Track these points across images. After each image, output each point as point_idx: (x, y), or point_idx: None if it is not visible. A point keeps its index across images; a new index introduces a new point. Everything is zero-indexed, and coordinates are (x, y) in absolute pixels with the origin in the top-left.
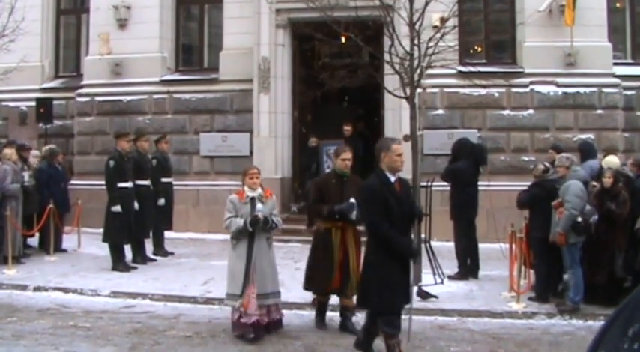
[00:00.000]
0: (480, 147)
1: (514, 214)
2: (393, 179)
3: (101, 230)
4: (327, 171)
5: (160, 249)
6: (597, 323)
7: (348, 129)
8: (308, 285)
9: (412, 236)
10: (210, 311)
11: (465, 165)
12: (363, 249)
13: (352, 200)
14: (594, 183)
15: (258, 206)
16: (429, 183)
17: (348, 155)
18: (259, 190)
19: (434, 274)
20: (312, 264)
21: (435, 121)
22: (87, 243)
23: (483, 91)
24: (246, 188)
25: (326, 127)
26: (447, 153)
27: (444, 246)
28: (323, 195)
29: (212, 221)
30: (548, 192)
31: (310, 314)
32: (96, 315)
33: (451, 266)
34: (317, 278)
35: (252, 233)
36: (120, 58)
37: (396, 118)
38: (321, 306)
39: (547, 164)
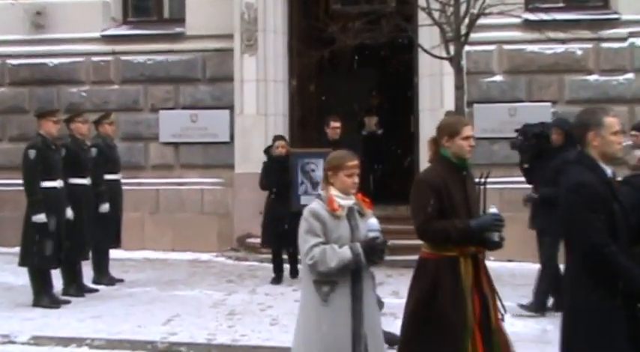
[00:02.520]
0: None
1: None
2: (609, 173)
3: (18, 249)
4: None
5: (103, 275)
6: None
7: (335, 126)
8: None
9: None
10: None
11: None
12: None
13: (494, 209)
14: None
15: (372, 222)
16: (483, 179)
17: (470, 131)
18: (352, 196)
19: None
20: (428, 318)
21: (491, 91)
22: None
23: (560, 48)
24: (334, 191)
25: (336, 102)
26: (506, 136)
27: (503, 267)
28: (443, 203)
29: (177, 234)
30: None
31: None
32: None
33: (513, 295)
34: (445, 345)
35: (358, 270)
36: (42, 2)
37: (435, 88)
38: None
39: None
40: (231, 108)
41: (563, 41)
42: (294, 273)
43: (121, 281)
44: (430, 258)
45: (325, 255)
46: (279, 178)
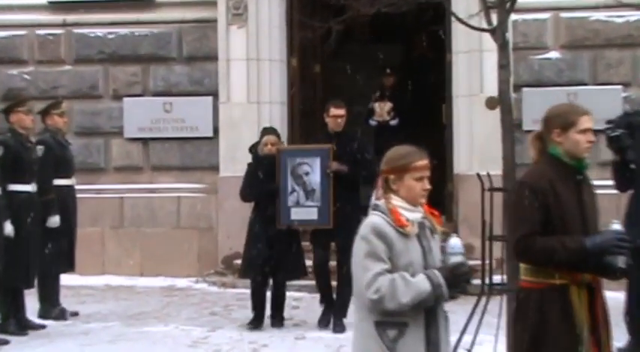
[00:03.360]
0: None
1: None
2: None
3: None
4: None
5: (52, 307)
6: None
7: (337, 114)
8: None
9: None
10: None
11: None
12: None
13: (617, 225)
14: None
15: (454, 242)
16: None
17: (589, 122)
18: (420, 207)
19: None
20: None
21: (544, 72)
22: None
23: (635, 16)
24: (397, 201)
25: (348, 87)
26: None
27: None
28: (551, 214)
29: (147, 254)
30: None
31: None
32: None
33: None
34: None
35: (434, 308)
36: None
37: (473, 68)
38: None
39: None
40: (214, 94)
41: (638, 7)
42: (277, 319)
43: (75, 314)
44: (533, 287)
45: (395, 286)
46: (267, 185)
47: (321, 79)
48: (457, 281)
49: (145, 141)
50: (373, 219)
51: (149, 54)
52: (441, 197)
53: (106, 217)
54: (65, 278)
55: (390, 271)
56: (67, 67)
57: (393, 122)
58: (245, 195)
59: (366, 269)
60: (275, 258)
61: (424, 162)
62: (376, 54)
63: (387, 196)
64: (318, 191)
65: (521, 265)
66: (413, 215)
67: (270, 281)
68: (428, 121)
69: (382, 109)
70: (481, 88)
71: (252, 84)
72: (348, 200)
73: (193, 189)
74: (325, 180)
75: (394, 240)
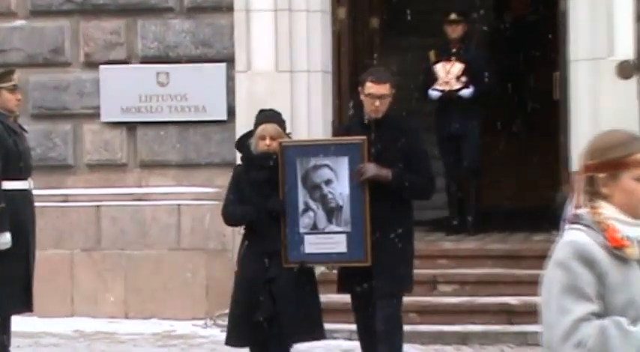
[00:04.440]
0: None
1: None
2: None
3: None
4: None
5: None
6: None
7: (376, 92)
8: None
9: None
10: None
11: None
12: None
13: None
14: None
15: None
16: None
17: None
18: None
19: None
20: None
21: None
22: None
23: None
24: (613, 213)
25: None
26: None
27: None
28: None
29: (135, 287)
30: None
31: None
32: None
33: None
34: None
35: None
36: None
37: (599, 22)
38: None
39: None
40: (229, 60)
41: None
42: None
43: None
44: None
45: (608, 339)
46: (266, 201)
47: (380, 39)
48: None
49: (130, 126)
50: (576, 237)
51: (136, 3)
52: (549, 205)
53: (76, 235)
54: (19, 322)
55: (599, 315)
56: (20, 22)
57: (466, 92)
58: (230, 216)
59: (563, 312)
60: (279, 317)
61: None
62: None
63: (595, 204)
64: (347, 209)
65: None
66: (634, 231)
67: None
68: (528, 95)
69: (448, 73)
70: (610, 50)
71: (282, 45)
72: (393, 222)
73: (199, 194)
74: (357, 191)
75: (607, 269)
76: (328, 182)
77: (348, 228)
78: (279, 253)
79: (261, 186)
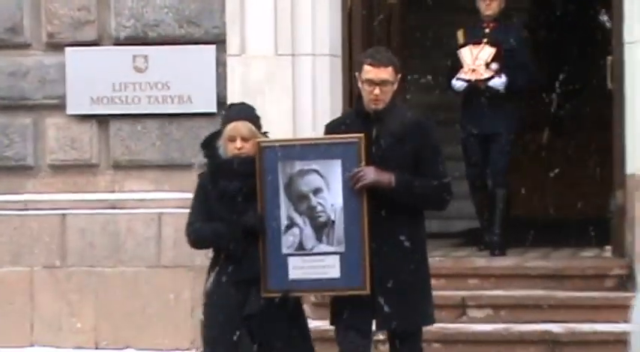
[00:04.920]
0: None
1: None
2: None
3: None
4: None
5: None
6: None
7: (375, 78)
8: None
9: None
10: None
11: None
12: None
13: None
14: None
15: None
16: None
17: None
18: None
19: None
20: None
21: None
22: None
23: None
24: None
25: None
26: None
27: None
28: None
29: (106, 312)
30: None
31: None
32: None
33: None
34: None
35: None
36: None
37: None
38: None
39: None
40: (219, 42)
41: None
42: None
43: None
44: None
45: None
46: (239, 216)
47: (400, 16)
48: None
49: (102, 120)
50: None
51: None
52: (603, 213)
53: (37, 249)
54: None
55: None
56: None
57: (498, 82)
58: (196, 237)
59: None
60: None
61: None
62: None
63: None
64: (341, 224)
65: None
66: None
67: None
68: (574, 84)
69: (474, 58)
70: None
71: (283, 23)
72: (399, 239)
73: (184, 201)
74: (353, 202)
75: None
76: (317, 191)
77: (341, 248)
78: (258, 280)
79: (232, 198)
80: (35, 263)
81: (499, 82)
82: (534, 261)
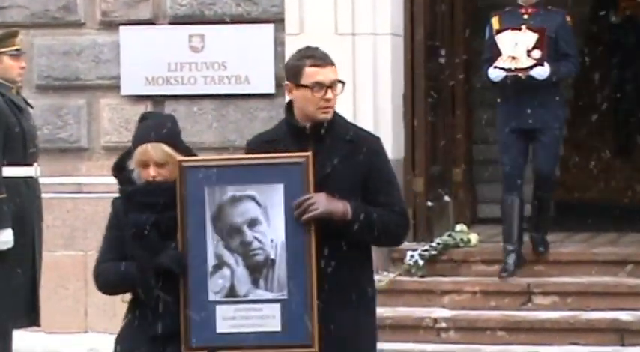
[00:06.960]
0: None
1: None
2: None
3: None
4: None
5: None
6: None
7: (326, 78)
8: None
9: None
10: None
11: None
12: None
13: None
14: None
15: None
16: None
17: None
18: None
19: None
20: None
21: None
22: None
23: None
24: None
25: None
26: None
27: None
28: None
29: None
30: None
31: None
32: None
33: None
34: None
35: None
36: None
37: None
38: None
39: None
40: (277, 21)
41: None
42: None
43: None
44: None
45: None
46: (154, 255)
47: None
48: None
49: (157, 101)
50: None
51: None
52: None
53: (91, 233)
54: (22, 338)
55: None
56: None
57: (540, 71)
58: (102, 280)
59: None
60: None
61: None
62: None
63: None
64: (282, 264)
65: None
66: None
67: None
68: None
69: (516, 46)
70: None
71: (343, 2)
72: (351, 280)
73: None
74: (299, 237)
75: None
76: (253, 223)
77: (283, 294)
78: (178, 335)
79: (147, 233)
80: (89, 247)
81: (542, 71)
82: (602, 246)
